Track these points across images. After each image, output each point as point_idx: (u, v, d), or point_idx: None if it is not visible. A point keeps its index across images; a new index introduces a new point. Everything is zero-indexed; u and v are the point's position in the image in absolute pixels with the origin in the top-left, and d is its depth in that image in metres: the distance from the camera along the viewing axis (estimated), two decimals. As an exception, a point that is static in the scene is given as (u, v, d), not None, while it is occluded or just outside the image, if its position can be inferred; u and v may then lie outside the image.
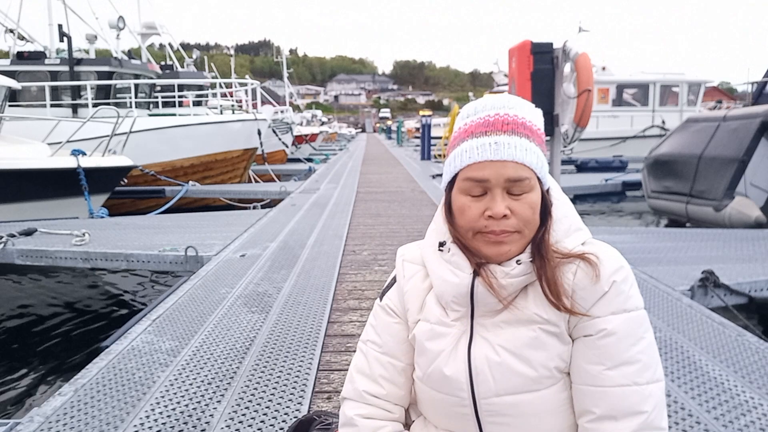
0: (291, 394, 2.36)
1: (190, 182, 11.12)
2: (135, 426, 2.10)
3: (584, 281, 1.04)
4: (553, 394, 1.06)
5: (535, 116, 1.09)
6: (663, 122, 18.47)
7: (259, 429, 2.09)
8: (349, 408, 1.19)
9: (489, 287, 1.05)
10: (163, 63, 18.70)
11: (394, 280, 1.24)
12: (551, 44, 6.58)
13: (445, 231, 1.13)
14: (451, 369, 1.09)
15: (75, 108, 13.37)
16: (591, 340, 1.04)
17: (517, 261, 1.06)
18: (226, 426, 2.10)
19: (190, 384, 2.44)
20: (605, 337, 1.03)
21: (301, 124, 31.56)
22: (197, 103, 16.80)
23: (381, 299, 1.24)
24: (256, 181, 14.40)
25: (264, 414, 2.19)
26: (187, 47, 24.58)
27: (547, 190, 1.10)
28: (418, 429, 1.21)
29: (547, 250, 1.05)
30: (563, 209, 1.11)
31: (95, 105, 11.70)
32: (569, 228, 1.10)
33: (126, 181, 9.79)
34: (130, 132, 9.51)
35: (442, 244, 1.12)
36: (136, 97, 13.21)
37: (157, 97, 15.55)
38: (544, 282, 1.04)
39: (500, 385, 1.05)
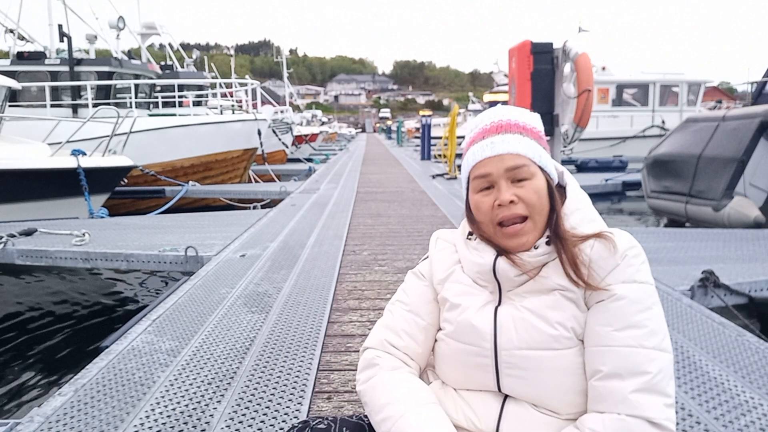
0: (291, 394, 2.36)
1: (190, 182, 11.12)
2: (135, 426, 2.10)
3: (601, 252, 1.14)
4: (568, 356, 1.13)
5: (529, 119, 1.23)
6: (663, 122, 18.48)
7: (259, 429, 2.09)
8: (369, 354, 1.29)
9: (512, 263, 1.17)
10: (163, 63, 18.68)
11: (427, 257, 1.38)
12: (551, 44, 6.59)
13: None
14: (478, 320, 1.19)
15: (75, 108, 13.37)
16: (602, 304, 1.13)
17: (535, 246, 1.17)
18: (226, 426, 2.10)
19: (190, 384, 2.45)
20: (615, 301, 1.11)
21: (301, 124, 31.56)
22: (197, 103, 16.80)
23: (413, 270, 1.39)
24: (256, 181, 14.40)
25: (264, 414, 2.19)
26: (187, 47, 24.57)
27: (559, 185, 1.22)
28: (434, 390, 1.26)
29: (563, 230, 1.16)
30: (576, 203, 1.21)
31: (95, 105, 11.70)
32: (583, 219, 1.20)
33: (126, 181, 9.79)
34: (130, 132, 9.51)
35: (470, 233, 1.27)
36: (136, 97, 13.21)
37: (157, 97, 15.55)
38: (564, 259, 1.14)
39: (521, 338, 1.14)
